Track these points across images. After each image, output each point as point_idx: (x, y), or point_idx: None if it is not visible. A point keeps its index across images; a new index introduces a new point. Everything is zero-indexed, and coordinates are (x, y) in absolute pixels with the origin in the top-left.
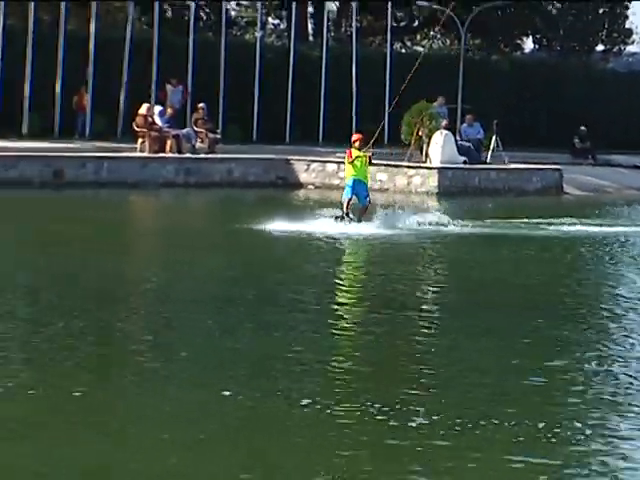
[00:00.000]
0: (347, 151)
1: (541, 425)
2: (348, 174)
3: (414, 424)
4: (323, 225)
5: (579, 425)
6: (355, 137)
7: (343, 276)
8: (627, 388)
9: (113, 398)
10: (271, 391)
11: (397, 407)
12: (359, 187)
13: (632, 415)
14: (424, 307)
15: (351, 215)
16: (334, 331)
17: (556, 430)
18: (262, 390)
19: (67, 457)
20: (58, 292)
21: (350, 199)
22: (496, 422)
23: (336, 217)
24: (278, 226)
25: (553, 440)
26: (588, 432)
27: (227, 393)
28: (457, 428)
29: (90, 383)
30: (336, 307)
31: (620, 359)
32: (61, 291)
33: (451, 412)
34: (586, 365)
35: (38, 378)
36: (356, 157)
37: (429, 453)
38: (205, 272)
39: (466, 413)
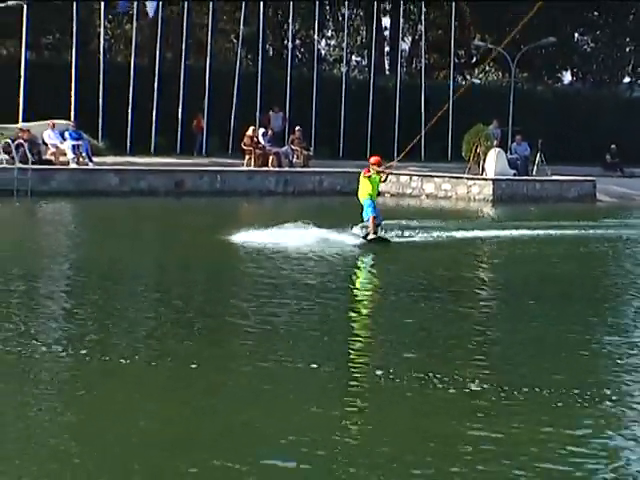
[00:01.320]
0: (365, 169)
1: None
2: (364, 192)
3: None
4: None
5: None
6: (374, 160)
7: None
8: None
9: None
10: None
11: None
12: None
13: None
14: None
15: (380, 234)
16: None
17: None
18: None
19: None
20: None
21: (375, 217)
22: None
23: (367, 238)
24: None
25: (586, 404)
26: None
27: None
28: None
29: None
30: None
31: None
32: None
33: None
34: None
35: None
36: (373, 174)
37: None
38: None
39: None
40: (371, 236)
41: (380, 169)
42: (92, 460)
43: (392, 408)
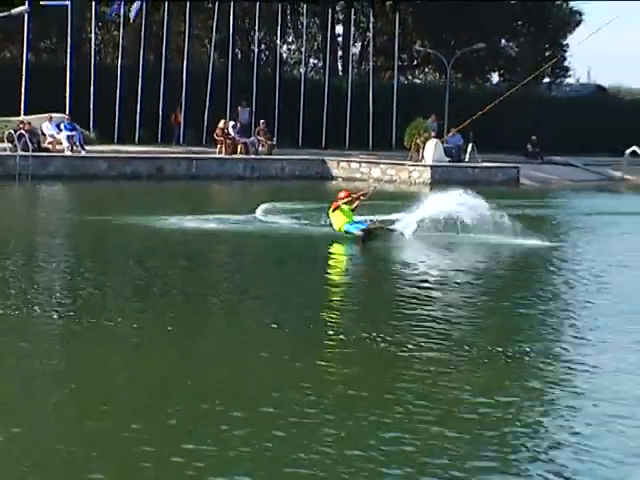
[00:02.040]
0: (333, 204)
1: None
2: (341, 223)
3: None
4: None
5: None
6: (343, 194)
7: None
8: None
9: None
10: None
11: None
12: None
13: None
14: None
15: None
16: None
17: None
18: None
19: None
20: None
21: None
22: None
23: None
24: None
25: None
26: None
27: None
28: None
29: None
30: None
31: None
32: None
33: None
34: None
35: None
36: (342, 205)
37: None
38: None
39: None
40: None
41: (350, 198)
42: (77, 400)
43: (343, 362)
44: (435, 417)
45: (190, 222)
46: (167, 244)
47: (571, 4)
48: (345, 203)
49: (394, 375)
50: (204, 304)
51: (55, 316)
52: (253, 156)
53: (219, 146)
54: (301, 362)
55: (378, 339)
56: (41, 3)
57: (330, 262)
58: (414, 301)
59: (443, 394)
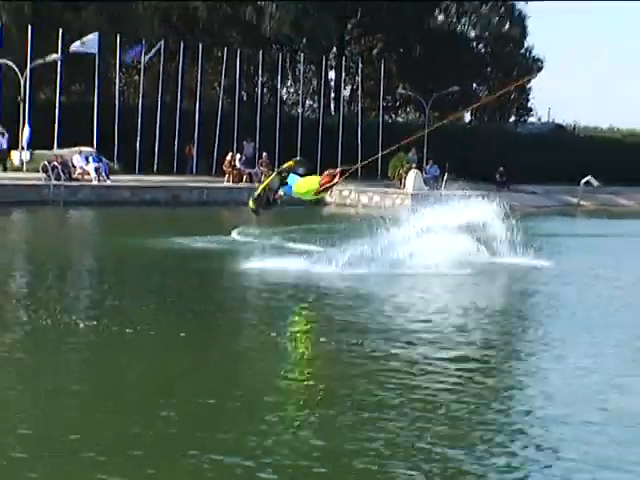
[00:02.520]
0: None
1: None
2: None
3: None
4: None
5: None
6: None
7: None
8: None
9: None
10: None
11: None
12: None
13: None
14: None
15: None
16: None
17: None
18: None
19: None
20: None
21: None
22: None
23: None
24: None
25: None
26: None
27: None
28: None
29: None
30: None
31: None
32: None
33: None
34: None
35: None
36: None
37: None
38: None
39: None
40: (255, 195)
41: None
42: (95, 394)
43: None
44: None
45: (199, 243)
46: (179, 261)
47: (534, 52)
48: (324, 190)
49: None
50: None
51: (81, 325)
52: (257, 184)
53: (227, 176)
54: None
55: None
56: (71, 51)
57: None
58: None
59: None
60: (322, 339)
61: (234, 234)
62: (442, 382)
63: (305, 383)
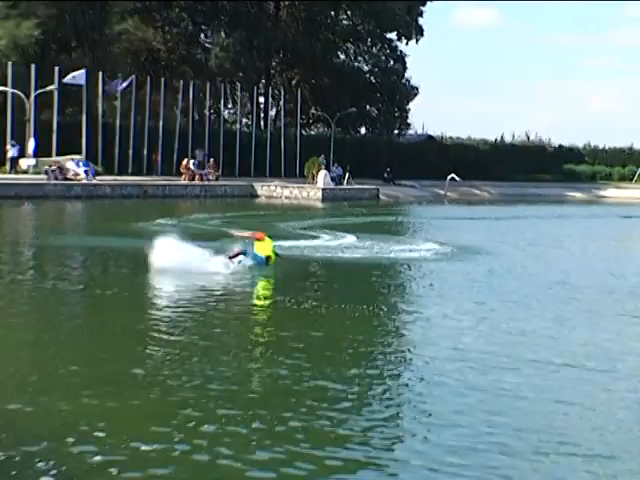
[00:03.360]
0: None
1: None
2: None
3: None
4: None
5: None
6: (260, 235)
7: None
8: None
9: None
10: None
11: None
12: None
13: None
14: None
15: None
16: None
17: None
18: None
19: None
20: None
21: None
22: None
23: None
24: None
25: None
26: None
27: None
28: None
29: None
30: None
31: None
32: None
33: None
34: None
35: None
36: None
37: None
38: None
39: None
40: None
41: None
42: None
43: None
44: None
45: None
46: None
47: (412, 82)
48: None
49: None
50: None
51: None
52: (206, 182)
53: (183, 176)
54: None
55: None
56: (65, 83)
57: None
58: None
59: None
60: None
61: (160, 220)
62: None
63: None
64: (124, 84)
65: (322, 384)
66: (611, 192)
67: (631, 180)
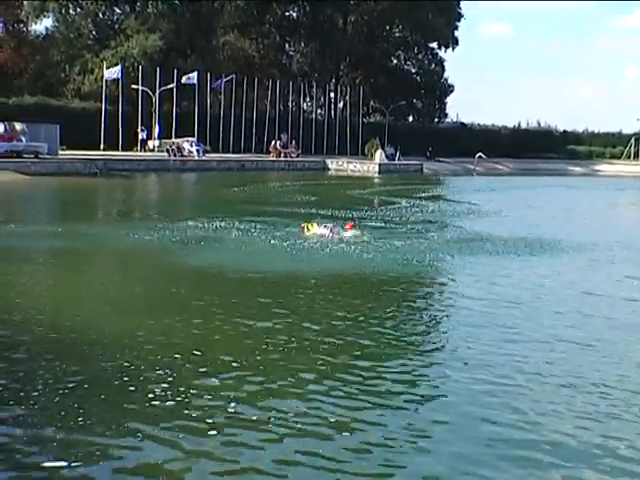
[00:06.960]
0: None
1: None
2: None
3: None
4: None
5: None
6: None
7: None
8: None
9: None
10: None
11: None
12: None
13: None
14: None
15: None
16: None
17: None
18: None
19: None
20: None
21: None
22: None
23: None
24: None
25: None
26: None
27: None
28: None
29: None
30: None
31: None
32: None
33: None
34: None
35: None
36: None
37: None
38: None
39: None
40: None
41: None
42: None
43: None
44: None
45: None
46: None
47: (449, 81)
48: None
49: None
50: None
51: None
52: (289, 159)
53: (272, 154)
54: None
55: None
56: (182, 82)
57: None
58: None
59: None
60: None
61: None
62: None
63: None
64: (224, 80)
65: None
66: (604, 167)
67: (619, 158)
